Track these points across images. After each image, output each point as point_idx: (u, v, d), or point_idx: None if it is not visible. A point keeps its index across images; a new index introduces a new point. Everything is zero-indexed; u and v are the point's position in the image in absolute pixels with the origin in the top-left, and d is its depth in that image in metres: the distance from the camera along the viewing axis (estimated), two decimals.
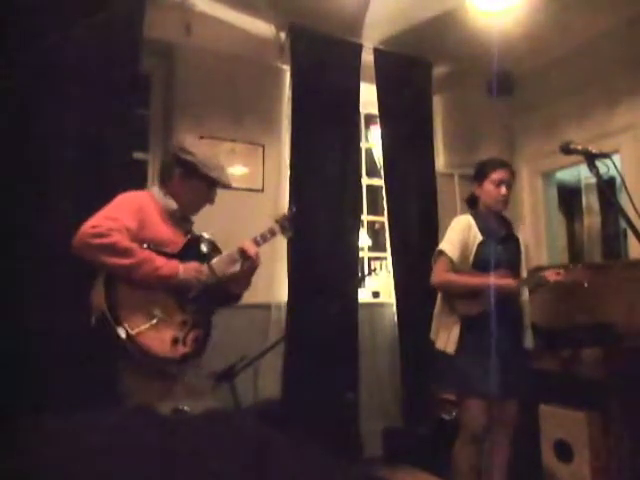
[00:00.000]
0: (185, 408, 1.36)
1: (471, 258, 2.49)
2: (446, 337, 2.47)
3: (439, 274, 2.50)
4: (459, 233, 2.52)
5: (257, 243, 2.18)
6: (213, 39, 3.34)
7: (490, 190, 2.54)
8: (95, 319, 1.85)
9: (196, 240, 2.14)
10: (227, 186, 2.19)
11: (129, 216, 1.92)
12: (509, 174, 2.56)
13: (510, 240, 2.59)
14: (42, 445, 1.04)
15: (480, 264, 2.47)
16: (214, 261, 2.09)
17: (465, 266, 2.50)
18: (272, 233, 2.25)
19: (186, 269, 1.98)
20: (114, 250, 1.83)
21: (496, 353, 2.35)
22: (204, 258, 2.09)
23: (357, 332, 3.56)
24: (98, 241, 1.81)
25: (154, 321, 1.90)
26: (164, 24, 3.12)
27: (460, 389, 2.51)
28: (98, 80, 2.72)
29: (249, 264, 2.15)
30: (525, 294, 2.58)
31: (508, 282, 2.42)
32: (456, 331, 2.44)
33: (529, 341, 2.57)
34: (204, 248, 2.13)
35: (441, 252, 2.52)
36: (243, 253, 2.13)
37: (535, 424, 2.89)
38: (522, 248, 2.61)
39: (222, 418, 1.37)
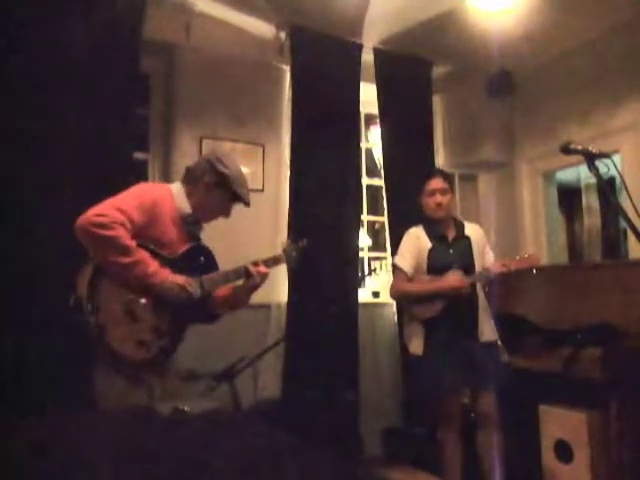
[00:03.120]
0: (185, 408, 1.36)
1: (424, 264, 2.69)
2: (414, 341, 2.69)
3: (394, 286, 2.78)
4: (408, 245, 2.77)
5: (267, 265, 2.18)
6: (213, 39, 3.34)
7: (426, 200, 2.75)
8: (73, 301, 1.84)
9: (197, 250, 2.13)
10: (247, 205, 2.20)
11: (138, 210, 1.91)
12: (440, 182, 2.74)
13: (461, 241, 2.75)
14: (43, 444, 1.04)
15: (433, 268, 2.68)
16: (206, 277, 2.06)
17: (421, 273, 2.70)
18: (276, 261, 2.24)
19: (173, 283, 1.96)
20: (112, 245, 1.82)
21: (457, 348, 2.57)
22: (199, 270, 2.07)
23: (357, 332, 3.56)
24: (99, 232, 1.80)
25: (125, 320, 1.88)
26: (164, 24, 3.12)
27: (431, 387, 2.68)
28: (98, 80, 2.72)
29: (252, 283, 2.15)
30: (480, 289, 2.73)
31: (452, 282, 2.58)
32: (421, 334, 2.66)
33: (492, 333, 2.68)
34: (202, 261, 2.11)
35: (394, 266, 2.77)
36: (249, 274, 2.12)
37: (535, 424, 2.90)
38: (474, 246, 2.73)
39: (222, 418, 1.37)
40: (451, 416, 2.66)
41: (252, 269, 2.12)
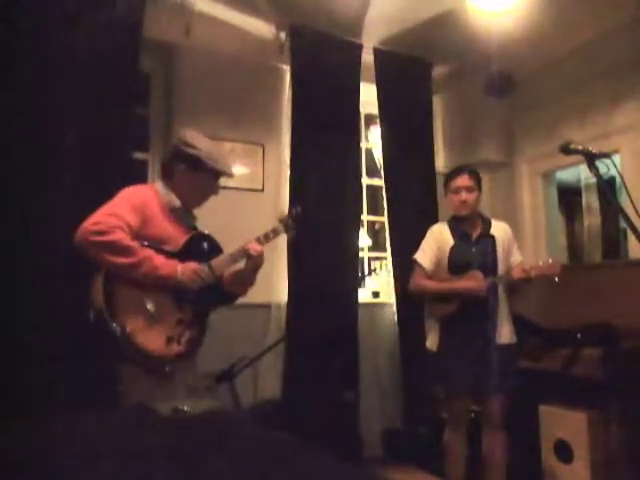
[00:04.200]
0: (185, 408, 1.36)
1: (445, 262, 2.66)
2: (431, 337, 2.68)
3: (413, 281, 2.74)
4: (430, 241, 2.74)
5: (260, 242, 2.18)
6: (213, 39, 3.33)
7: (451, 198, 2.71)
8: (93, 315, 1.86)
9: (197, 238, 2.14)
10: (231, 176, 2.21)
11: (132, 212, 1.92)
12: (467, 179, 2.67)
13: (485, 240, 2.68)
14: (44, 444, 1.04)
15: (454, 266, 2.64)
16: (214, 261, 2.08)
17: (443, 270, 2.67)
18: (275, 233, 2.24)
19: (184, 270, 1.98)
20: (115, 248, 1.83)
21: (471, 349, 2.53)
22: (205, 257, 2.08)
23: (357, 332, 3.56)
24: (99, 239, 1.81)
25: (150, 319, 1.90)
26: (164, 24, 3.12)
27: (441, 384, 2.68)
28: (98, 80, 2.72)
29: (252, 262, 2.16)
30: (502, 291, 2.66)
31: (470, 284, 2.54)
32: (436, 331, 2.65)
33: (510, 336, 2.63)
34: (205, 247, 2.13)
35: (415, 261, 2.73)
36: (247, 252, 2.13)
37: (535, 424, 2.89)
38: (499, 246, 2.67)
39: (222, 418, 1.37)
40: (458, 416, 2.65)
41: (250, 248, 2.13)
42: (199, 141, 2.12)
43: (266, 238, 2.21)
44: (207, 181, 2.14)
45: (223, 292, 2.18)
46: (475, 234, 2.68)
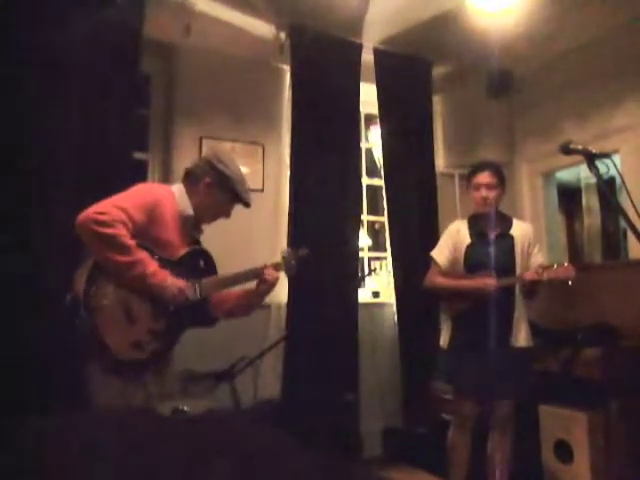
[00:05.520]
0: (185, 408, 1.36)
1: (461, 260, 2.63)
2: (443, 334, 2.68)
3: (427, 278, 2.73)
4: (447, 239, 2.73)
5: (277, 269, 2.22)
6: (213, 39, 3.34)
7: (473, 194, 2.69)
8: (69, 299, 1.84)
9: (197, 253, 2.12)
10: (247, 206, 2.21)
11: (140, 209, 1.91)
12: (489, 176, 2.64)
13: (503, 239, 2.63)
14: (44, 444, 1.04)
15: (469, 266, 2.61)
16: (205, 281, 2.06)
17: (459, 268, 2.64)
18: (275, 269, 2.24)
19: (172, 285, 1.94)
20: (112, 243, 1.81)
21: (482, 350, 2.48)
22: (198, 274, 2.07)
23: (357, 332, 3.56)
24: (100, 229, 1.79)
25: (122, 319, 1.87)
26: (164, 24, 3.12)
27: (449, 382, 2.70)
28: (98, 80, 2.72)
29: (266, 286, 2.18)
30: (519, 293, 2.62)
31: (478, 284, 2.52)
32: (448, 329, 2.65)
33: (526, 339, 2.58)
34: (201, 264, 2.11)
35: (431, 257, 2.73)
36: (261, 274, 2.16)
37: (535, 424, 2.89)
38: (517, 246, 2.62)
39: (222, 418, 1.37)
40: (465, 417, 2.62)
41: (266, 271, 2.16)
42: (231, 162, 2.16)
43: (277, 268, 2.23)
44: (225, 202, 2.15)
45: (205, 313, 2.14)
46: (493, 233, 2.64)
